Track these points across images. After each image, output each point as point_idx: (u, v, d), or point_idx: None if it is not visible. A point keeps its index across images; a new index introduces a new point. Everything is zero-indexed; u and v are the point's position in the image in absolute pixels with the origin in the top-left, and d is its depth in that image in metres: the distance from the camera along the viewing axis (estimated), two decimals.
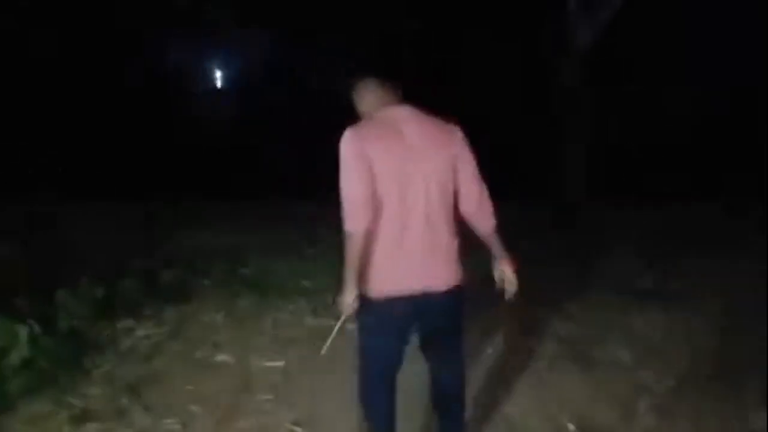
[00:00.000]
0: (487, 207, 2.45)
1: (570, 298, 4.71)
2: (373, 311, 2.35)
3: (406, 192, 2.28)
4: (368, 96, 2.45)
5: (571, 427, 3.08)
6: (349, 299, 2.31)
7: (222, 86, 17.46)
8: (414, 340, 2.48)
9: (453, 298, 2.42)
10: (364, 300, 2.33)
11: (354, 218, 2.23)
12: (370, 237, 2.27)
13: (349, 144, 2.25)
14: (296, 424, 3.18)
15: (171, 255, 5.49)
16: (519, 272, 2.48)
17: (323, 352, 2.63)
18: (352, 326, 2.51)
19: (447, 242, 2.38)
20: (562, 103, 7.23)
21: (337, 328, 2.48)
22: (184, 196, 7.93)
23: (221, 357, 3.78)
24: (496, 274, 2.52)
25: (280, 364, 3.74)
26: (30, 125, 9.40)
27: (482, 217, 2.44)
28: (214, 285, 4.77)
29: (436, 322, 2.45)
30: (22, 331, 3.59)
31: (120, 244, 5.76)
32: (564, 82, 7.21)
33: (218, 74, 17.67)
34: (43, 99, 9.58)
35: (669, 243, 6.01)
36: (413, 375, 2.66)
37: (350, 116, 2.48)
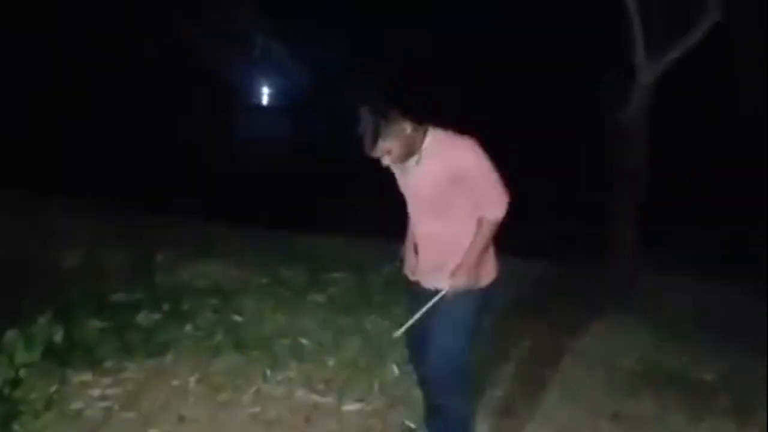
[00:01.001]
0: None
1: (627, 392, 3.87)
2: (483, 297, 2.66)
3: None
4: (416, 129, 2.52)
5: None
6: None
7: (268, 102, 16.96)
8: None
9: None
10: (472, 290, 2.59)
11: (504, 208, 2.53)
12: None
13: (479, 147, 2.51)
14: None
15: (158, 288, 4.78)
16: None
17: (396, 335, 2.67)
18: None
19: None
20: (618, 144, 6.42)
21: (427, 307, 2.58)
22: (196, 215, 7.26)
23: None
24: None
25: None
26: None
27: None
28: (196, 335, 4.03)
29: None
30: None
31: (104, 266, 5.07)
32: (621, 119, 6.42)
33: (265, 90, 17.15)
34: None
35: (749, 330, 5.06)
36: None
37: None
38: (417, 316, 2.63)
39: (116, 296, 4.55)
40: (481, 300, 2.64)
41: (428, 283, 2.67)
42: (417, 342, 2.74)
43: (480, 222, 2.56)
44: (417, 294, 2.71)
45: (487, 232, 2.56)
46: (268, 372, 3.66)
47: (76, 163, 8.22)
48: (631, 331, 5.00)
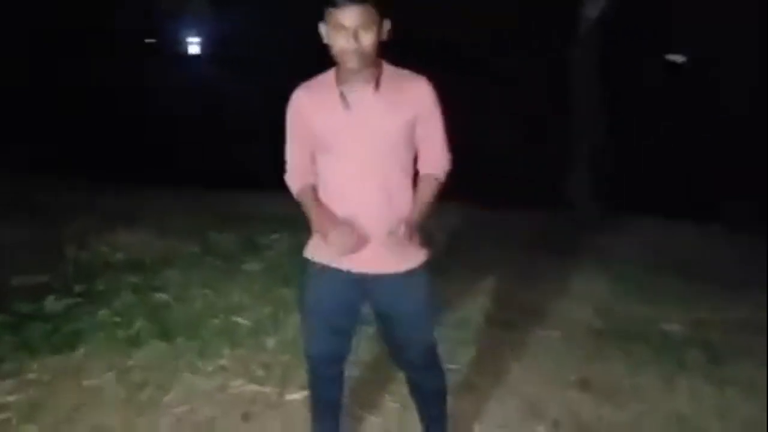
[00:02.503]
0: None
1: (592, 354, 3.59)
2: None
3: None
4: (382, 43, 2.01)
5: None
6: None
7: (200, 52, 15.98)
8: None
9: None
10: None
11: (448, 167, 2.22)
12: None
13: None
14: None
15: (68, 267, 4.23)
16: None
17: None
18: None
19: None
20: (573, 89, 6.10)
21: None
22: (121, 178, 6.58)
23: None
24: None
25: None
26: None
27: None
28: (112, 322, 3.53)
29: None
30: None
31: (10, 243, 4.47)
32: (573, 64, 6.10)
33: (195, 38, 16.17)
34: None
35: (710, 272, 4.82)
36: None
37: None
38: None
39: (17, 280, 3.99)
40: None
41: (371, 265, 2.11)
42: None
43: (426, 178, 2.13)
44: (340, 283, 2.15)
45: (434, 190, 2.14)
46: (197, 362, 3.21)
47: None
48: (586, 282, 4.73)
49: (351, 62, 1.94)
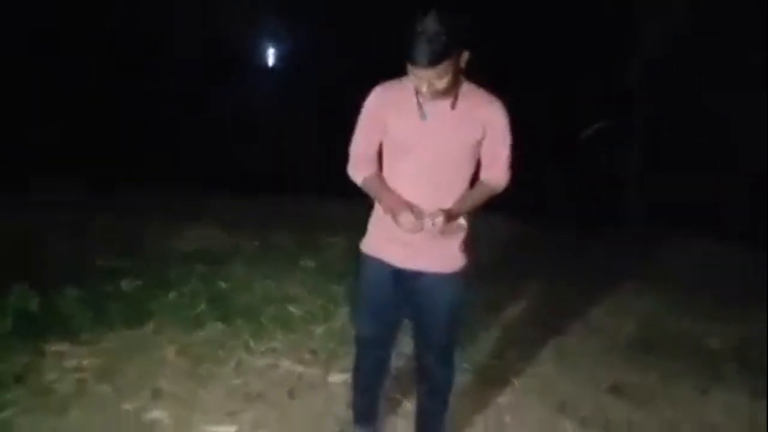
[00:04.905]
0: None
1: (629, 362, 3.69)
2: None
3: None
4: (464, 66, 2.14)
5: None
6: None
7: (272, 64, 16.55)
8: None
9: None
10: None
11: (506, 183, 2.36)
12: None
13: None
14: None
15: (142, 256, 4.61)
16: None
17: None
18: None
19: None
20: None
21: None
22: (181, 183, 7.00)
23: (156, 413, 2.86)
24: None
25: (230, 430, 2.83)
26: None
27: None
28: (178, 303, 3.86)
29: None
30: None
31: (89, 232, 4.92)
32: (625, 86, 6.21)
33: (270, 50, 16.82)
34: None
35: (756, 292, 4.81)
36: None
37: None
38: None
39: (99, 263, 4.39)
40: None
41: (414, 262, 2.29)
42: (388, 327, 2.48)
43: (481, 183, 2.28)
44: (385, 276, 2.34)
45: (486, 196, 2.28)
46: (252, 342, 3.50)
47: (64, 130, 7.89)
48: (631, 295, 4.81)
49: (426, 97, 2.10)
